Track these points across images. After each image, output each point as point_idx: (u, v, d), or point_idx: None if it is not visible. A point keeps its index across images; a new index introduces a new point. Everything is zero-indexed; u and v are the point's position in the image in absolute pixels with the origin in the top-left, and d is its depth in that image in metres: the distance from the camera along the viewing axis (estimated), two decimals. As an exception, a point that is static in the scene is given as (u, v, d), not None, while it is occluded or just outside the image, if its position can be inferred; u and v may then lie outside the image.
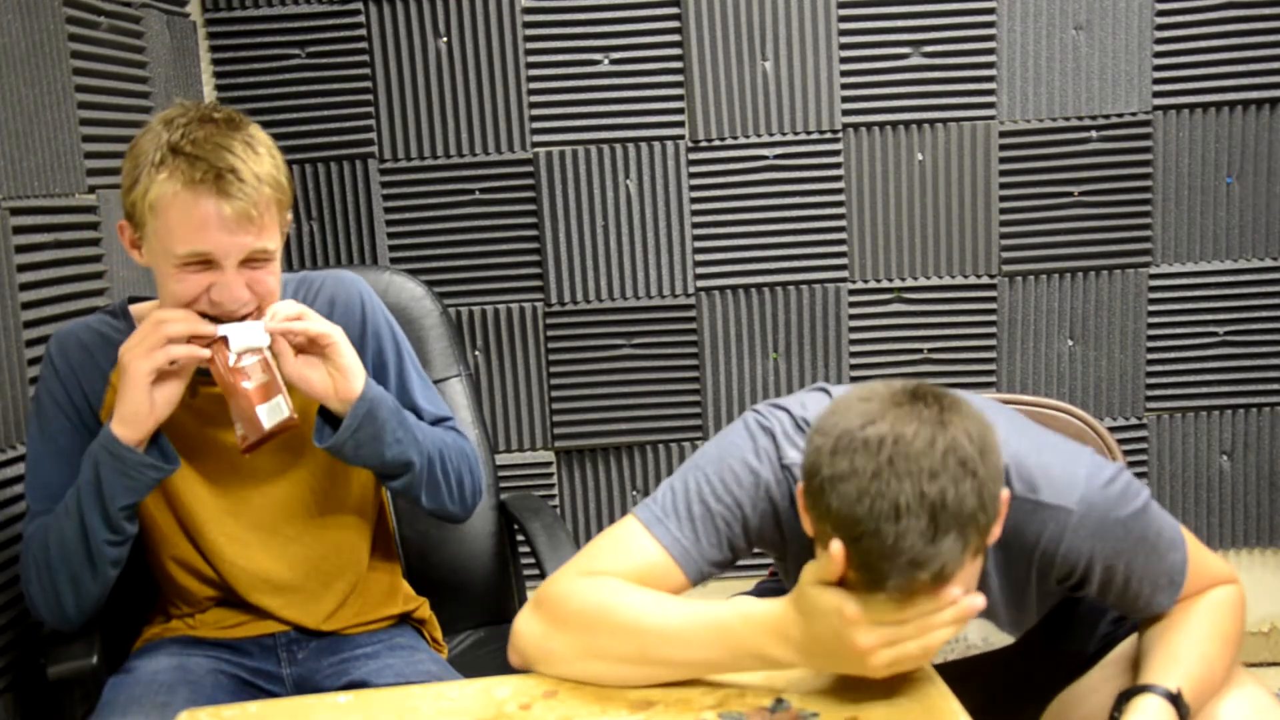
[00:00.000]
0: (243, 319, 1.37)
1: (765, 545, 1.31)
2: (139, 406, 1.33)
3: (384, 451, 1.46)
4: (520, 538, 1.94)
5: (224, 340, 1.35)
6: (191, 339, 1.34)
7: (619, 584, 1.22)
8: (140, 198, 1.32)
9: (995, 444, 1.10)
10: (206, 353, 1.34)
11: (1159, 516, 1.27)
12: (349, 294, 1.57)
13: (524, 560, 2.01)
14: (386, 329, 1.59)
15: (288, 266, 2.55)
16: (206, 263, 1.33)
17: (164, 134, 1.32)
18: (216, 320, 1.36)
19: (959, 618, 1.08)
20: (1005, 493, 1.14)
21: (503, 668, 1.28)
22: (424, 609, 1.71)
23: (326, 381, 1.41)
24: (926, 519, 1.03)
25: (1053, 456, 1.23)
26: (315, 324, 1.39)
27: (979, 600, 1.08)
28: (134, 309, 1.52)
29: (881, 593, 1.05)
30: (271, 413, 1.36)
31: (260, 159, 1.34)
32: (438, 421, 1.61)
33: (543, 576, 1.64)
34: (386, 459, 1.47)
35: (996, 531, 1.16)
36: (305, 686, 1.53)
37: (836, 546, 1.06)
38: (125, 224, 1.38)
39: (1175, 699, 1.22)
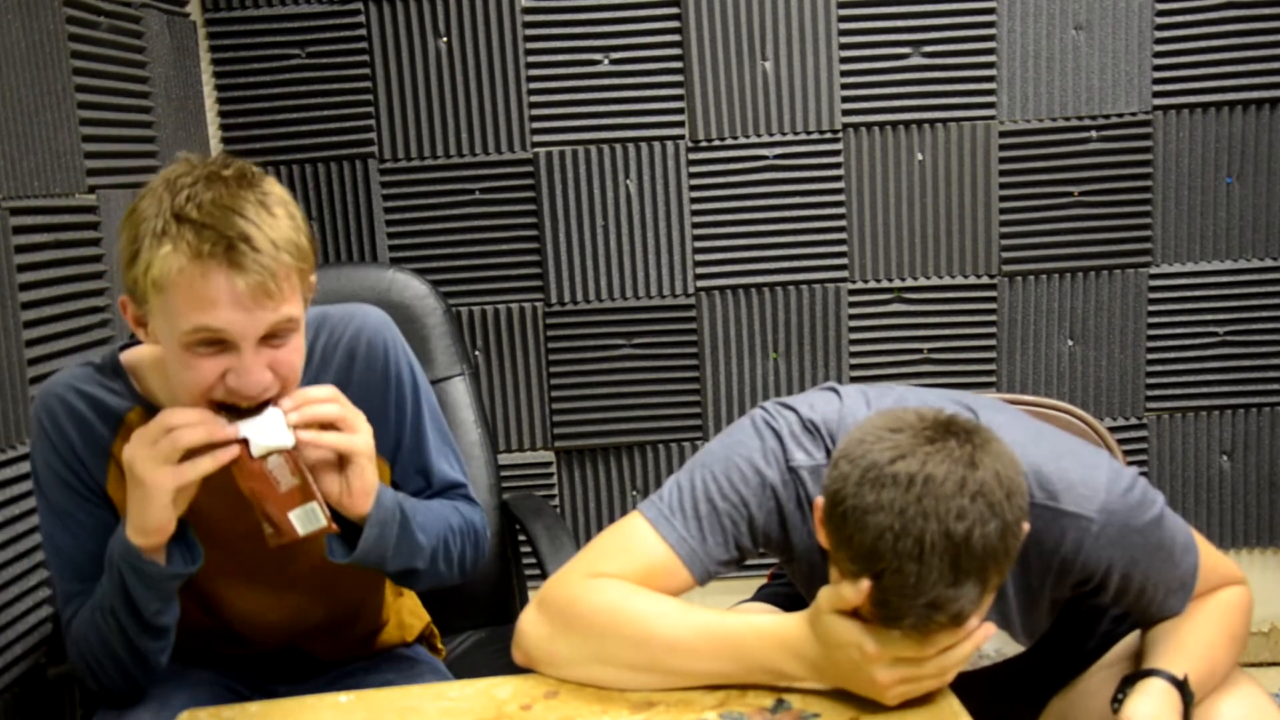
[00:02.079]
0: (263, 404, 1.22)
1: (770, 547, 1.31)
2: (160, 520, 1.20)
3: (387, 564, 1.35)
4: (521, 538, 1.94)
5: (244, 441, 1.20)
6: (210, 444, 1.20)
7: (627, 588, 1.22)
8: (142, 274, 1.15)
9: (1023, 485, 1.09)
10: (231, 455, 1.20)
11: (1173, 522, 1.27)
12: (372, 344, 1.41)
13: (525, 560, 2.00)
14: (409, 381, 1.44)
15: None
16: (221, 343, 1.17)
17: (166, 198, 1.15)
18: (232, 408, 1.21)
19: (975, 648, 1.10)
20: (1025, 526, 1.14)
21: (504, 668, 1.28)
22: (419, 623, 1.68)
23: (337, 491, 1.28)
24: (949, 561, 1.02)
25: (1071, 463, 1.23)
26: (344, 439, 1.25)
27: (990, 629, 1.10)
28: (126, 362, 1.36)
29: (897, 630, 1.06)
30: (306, 519, 1.23)
31: (276, 221, 1.17)
32: (448, 488, 1.50)
33: (544, 577, 1.64)
34: (390, 570, 1.37)
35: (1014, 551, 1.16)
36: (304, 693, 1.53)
37: (865, 584, 1.07)
38: (127, 300, 1.22)
39: (1181, 685, 1.22)
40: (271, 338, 1.19)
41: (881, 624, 1.07)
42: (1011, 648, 1.38)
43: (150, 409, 1.31)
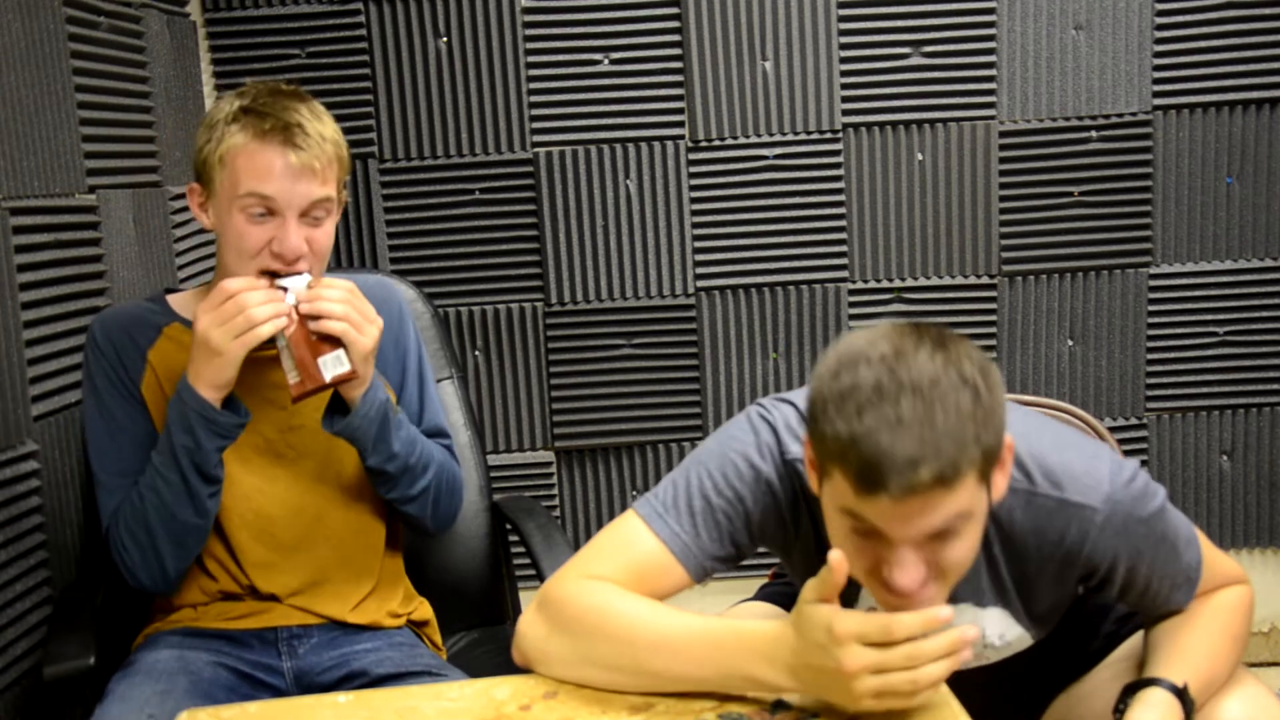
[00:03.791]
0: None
1: (768, 541, 1.31)
2: (230, 376, 1.43)
3: (368, 452, 1.55)
4: (514, 539, 1.94)
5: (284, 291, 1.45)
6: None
7: (617, 591, 1.21)
8: (211, 153, 1.45)
9: (997, 378, 1.11)
10: (290, 322, 1.43)
11: (1175, 515, 1.27)
12: (389, 299, 1.67)
13: (517, 561, 2.01)
14: (415, 338, 1.71)
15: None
16: (269, 212, 1.44)
17: (236, 100, 1.46)
18: (274, 275, 1.46)
19: (951, 649, 1.05)
20: (1010, 439, 1.14)
21: (498, 668, 1.28)
22: (424, 609, 1.72)
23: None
24: (925, 419, 1.03)
25: (1075, 455, 1.23)
26: (349, 330, 1.45)
27: (971, 631, 1.07)
28: (172, 299, 1.63)
29: (885, 495, 1.03)
30: (333, 364, 1.43)
31: (325, 123, 1.47)
32: (437, 434, 1.70)
33: (538, 578, 1.64)
34: (369, 462, 1.56)
35: (1001, 485, 1.15)
36: (304, 679, 1.54)
37: (836, 556, 1.06)
38: (195, 186, 1.51)
39: (1181, 693, 1.22)
40: (308, 215, 1.46)
41: (868, 495, 1.04)
42: (1019, 640, 1.37)
43: (188, 325, 1.52)
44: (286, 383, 1.45)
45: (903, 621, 1.06)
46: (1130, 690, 1.25)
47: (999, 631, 1.36)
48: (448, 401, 1.96)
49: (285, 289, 1.45)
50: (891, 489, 1.03)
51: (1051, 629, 1.38)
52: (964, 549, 1.11)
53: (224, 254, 1.50)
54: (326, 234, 1.50)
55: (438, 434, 1.70)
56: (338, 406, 1.52)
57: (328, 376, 1.43)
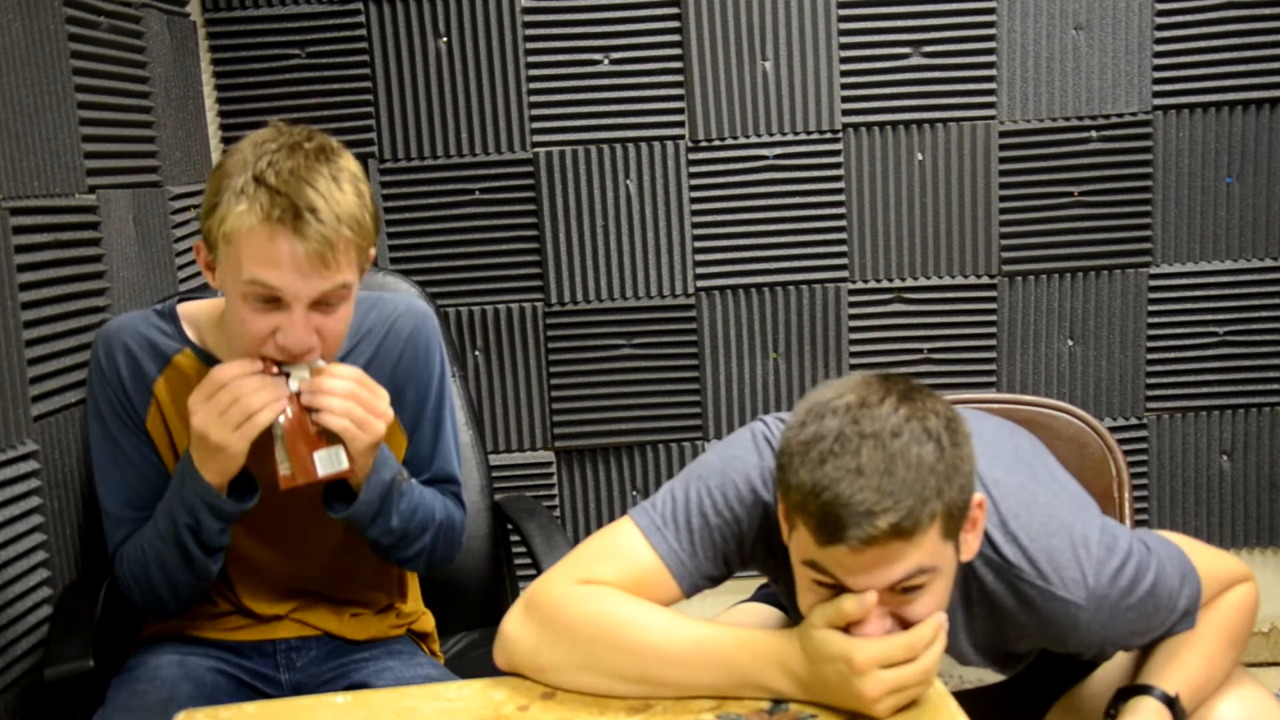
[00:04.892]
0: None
1: (758, 564, 1.30)
2: (233, 467, 1.35)
3: (365, 530, 1.47)
4: (514, 538, 1.94)
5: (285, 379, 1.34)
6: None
7: (618, 596, 1.21)
8: (216, 225, 1.29)
9: (965, 431, 1.11)
10: (284, 407, 1.32)
11: (1168, 573, 1.25)
12: (416, 331, 1.55)
13: (518, 561, 2.01)
14: (440, 374, 1.58)
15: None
16: (275, 300, 1.29)
17: (250, 159, 1.28)
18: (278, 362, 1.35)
19: (940, 628, 1.11)
20: (979, 496, 1.15)
21: (498, 669, 1.27)
22: (425, 620, 1.70)
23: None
24: (885, 471, 1.04)
25: (1062, 542, 1.21)
26: (350, 430, 1.35)
27: (943, 618, 1.11)
28: (183, 311, 1.51)
29: (843, 545, 1.04)
30: (329, 460, 1.33)
31: (344, 196, 1.28)
32: (445, 480, 1.60)
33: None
34: (365, 535, 1.49)
35: (974, 544, 1.16)
36: (302, 691, 1.54)
37: (869, 598, 1.07)
38: (201, 246, 1.36)
39: (1172, 703, 1.22)
40: (322, 303, 1.31)
41: (828, 544, 1.05)
42: (995, 679, 1.38)
43: (199, 353, 1.46)
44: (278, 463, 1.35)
45: (923, 636, 1.09)
46: (1122, 696, 1.25)
47: (977, 676, 1.37)
48: (447, 400, 1.96)
49: (286, 373, 1.34)
50: (849, 539, 1.04)
51: (1029, 663, 1.38)
52: (931, 605, 1.11)
53: (228, 326, 1.39)
54: (342, 319, 1.36)
55: (447, 480, 1.61)
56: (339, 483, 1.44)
57: (321, 473, 1.33)
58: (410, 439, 1.56)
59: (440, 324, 1.99)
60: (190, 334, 1.49)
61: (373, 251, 1.37)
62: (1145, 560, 1.23)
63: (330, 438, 1.33)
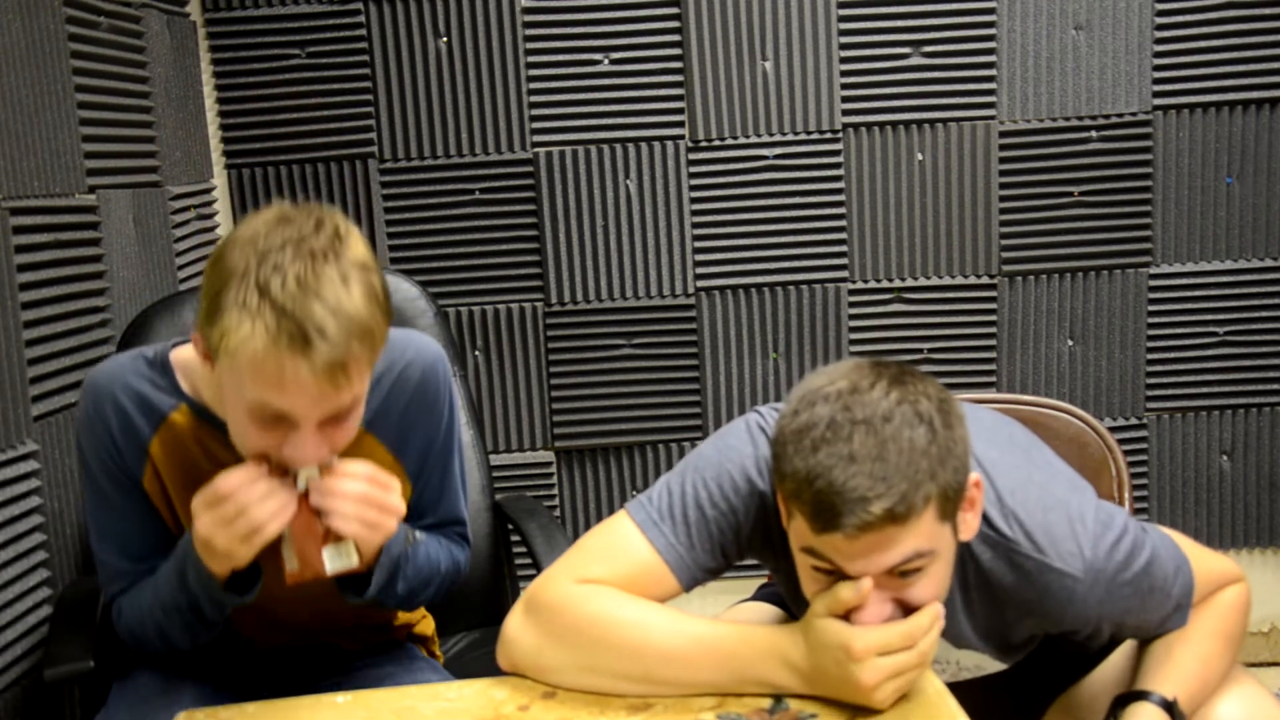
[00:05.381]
0: None
1: (756, 554, 1.30)
2: (239, 564, 1.29)
3: (394, 588, 1.42)
4: (515, 538, 1.94)
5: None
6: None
7: (619, 596, 1.21)
8: (218, 337, 1.16)
9: (958, 413, 1.11)
10: (293, 508, 1.24)
11: (1162, 557, 1.25)
12: (425, 379, 1.46)
13: (518, 561, 2.01)
14: (449, 419, 1.50)
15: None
16: (282, 418, 1.20)
17: (253, 261, 1.15)
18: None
19: (937, 616, 1.11)
20: (976, 476, 1.15)
21: (497, 669, 1.27)
22: (426, 623, 1.69)
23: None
24: (878, 456, 1.04)
25: (1059, 516, 1.21)
26: (363, 533, 1.28)
27: (939, 609, 1.12)
28: (176, 360, 1.39)
29: (838, 532, 1.04)
30: (336, 557, 1.26)
31: (355, 302, 1.16)
32: (451, 523, 1.56)
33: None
34: (396, 591, 1.43)
35: (972, 524, 1.16)
36: (303, 693, 1.53)
37: (865, 584, 1.07)
38: (199, 339, 1.23)
39: (1171, 707, 1.22)
40: (332, 418, 1.22)
41: (824, 533, 1.06)
42: (992, 666, 1.38)
43: (195, 408, 1.37)
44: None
45: (920, 624, 1.09)
46: (1121, 702, 1.25)
47: (975, 663, 1.37)
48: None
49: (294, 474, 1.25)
50: (843, 526, 1.04)
51: (1021, 658, 1.38)
52: (931, 588, 1.11)
53: (230, 427, 1.27)
54: (352, 426, 1.25)
55: (453, 523, 1.56)
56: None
57: (329, 570, 1.26)
58: (415, 484, 1.50)
59: (442, 322, 1.99)
60: (184, 386, 1.38)
61: (381, 349, 1.26)
62: (1141, 539, 1.24)
63: (338, 536, 1.27)
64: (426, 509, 1.52)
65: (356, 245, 1.21)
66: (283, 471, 1.24)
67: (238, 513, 1.22)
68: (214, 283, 1.18)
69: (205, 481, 1.31)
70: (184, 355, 1.39)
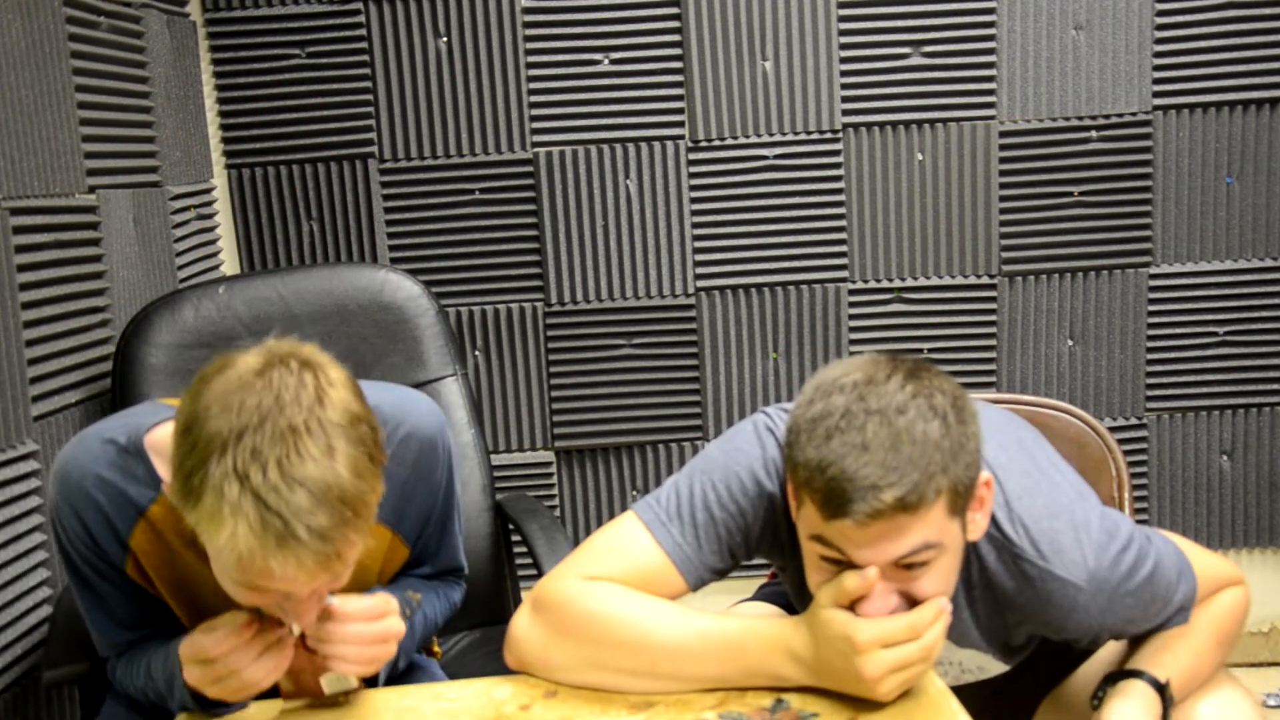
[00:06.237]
0: None
1: (766, 553, 1.31)
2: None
3: (394, 661, 1.38)
4: (515, 538, 1.94)
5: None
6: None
7: (624, 592, 1.21)
8: (196, 522, 1.08)
9: (972, 412, 1.12)
10: (288, 662, 1.20)
11: (1165, 566, 1.25)
12: (423, 452, 1.39)
13: (519, 560, 2.01)
14: (447, 483, 1.44)
15: (288, 263, 2.55)
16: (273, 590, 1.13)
17: (229, 438, 1.05)
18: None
19: (942, 611, 1.12)
20: (987, 476, 1.16)
21: (498, 669, 1.28)
22: None
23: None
24: (890, 446, 1.05)
25: (1064, 523, 1.22)
26: (378, 658, 1.24)
27: (946, 605, 1.12)
28: (151, 445, 1.28)
29: (848, 519, 1.05)
30: (335, 683, 1.23)
31: (342, 477, 1.07)
32: (449, 572, 1.53)
33: (540, 578, 1.64)
34: (394, 663, 1.39)
35: (981, 524, 1.17)
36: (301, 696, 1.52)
37: (870, 573, 1.08)
38: (175, 498, 1.11)
39: (1162, 688, 1.22)
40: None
41: (833, 520, 1.06)
42: (996, 668, 1.38)
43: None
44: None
45: (924, 618, 1.09)
46: (1111, 680, 1.25)
47: (978, 664, 1.37)
48: (451, 400, 1.95)
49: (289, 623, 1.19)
50: (854, 513, 1.05)
51: (1024, 657, 1.39)
52: (937, 583, 1.12)
53: (220, 582, 1.17)
54: (346, 577, 1.16)
55: (452, 571, 1.53)
56: None
57: (328, 692, 1.23)
58: (414, 547, 1.45)
59: (443, 321, 1.99)
60: (162, 472, 1.26)
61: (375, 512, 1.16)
62: (1145, 549, 1.24)
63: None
64: (425, 561, 1.49)
65: (340, 397, 1.10)
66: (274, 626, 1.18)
67: (229, 673, 1.17)
68: (186, 459, 1.07)
69: (191, 573, 1.28)
70: (159, 439, 1.28)
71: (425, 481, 1.40)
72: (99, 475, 1.26)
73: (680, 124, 2.53)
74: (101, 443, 1.28)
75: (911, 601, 1.12)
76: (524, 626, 1.24)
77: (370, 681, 1.32)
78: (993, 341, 2.59)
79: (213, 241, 2.47)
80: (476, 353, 2.60)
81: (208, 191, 2.47)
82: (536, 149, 2.53)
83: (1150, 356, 2.59)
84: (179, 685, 1.24)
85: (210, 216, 2.48)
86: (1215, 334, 2.58)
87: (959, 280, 2.58)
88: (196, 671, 1.18)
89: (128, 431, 1.29)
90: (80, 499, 1.26)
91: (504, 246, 2.56)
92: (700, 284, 2.57)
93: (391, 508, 1.37)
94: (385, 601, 1.23)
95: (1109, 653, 1.38)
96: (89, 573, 1.30)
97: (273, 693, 1.51)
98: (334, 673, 1.22)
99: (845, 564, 1.10)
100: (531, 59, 2.50)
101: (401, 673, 1.52)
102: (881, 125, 2.52)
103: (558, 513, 2.65)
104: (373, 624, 1.21)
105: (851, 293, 2.58)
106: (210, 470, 1.05)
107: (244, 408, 1.06)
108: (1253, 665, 2.71)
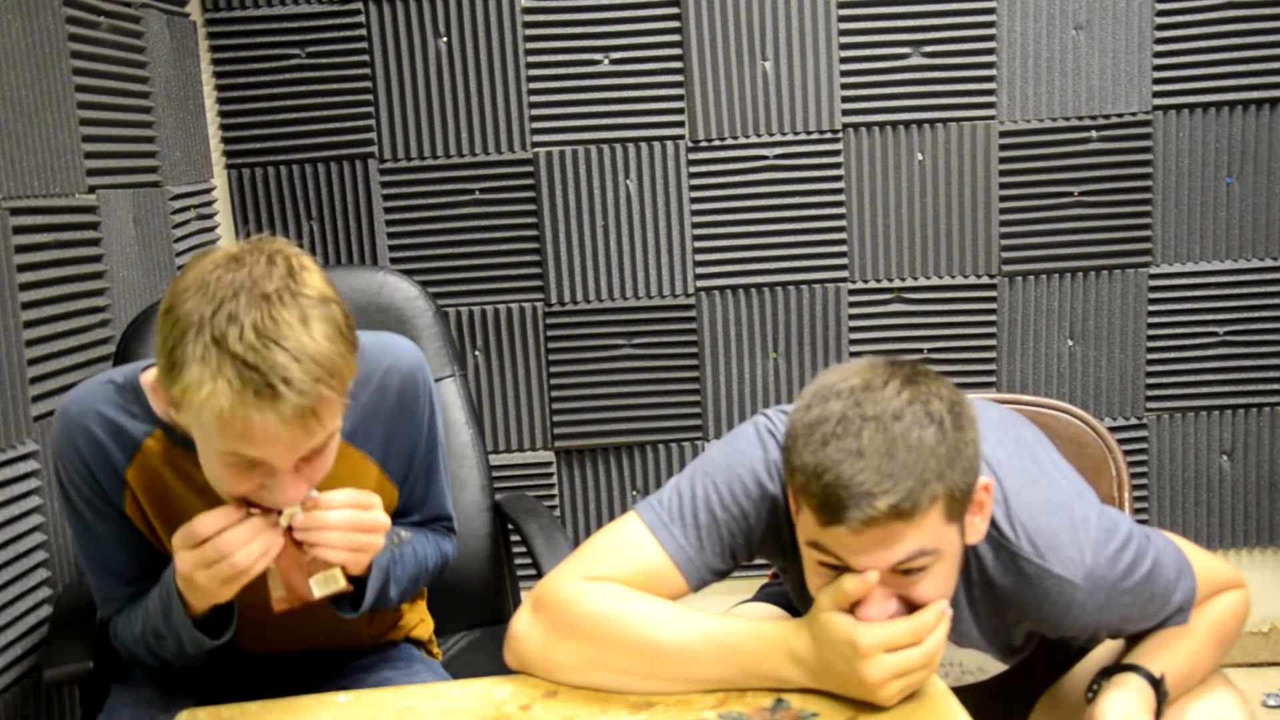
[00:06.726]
0: None
1: (767, 555, 1.31)
2: (221, 600, 1.27)
3: (387, 595, 1.42)
4: (515, 538, 1.94)
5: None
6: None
7: (625, 592, 1.21)
8: (179, 393, 1.12)
9: (970, 415, 1.12)
10: (279, 550, 1.23)
11: (1164, 564, 1.25)
12: (405, 385, 1.43)
13: (518, 561, 2.01)
14: (430, 422, 1.48)
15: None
16: (257, 463, 1.17)
17: (207, 310, 1.10)
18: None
19: (943, 615, 1.12)
20: (986, 480, 1.16)
21: (498, 669, 1.27)
22: (424, 627, 1.68)
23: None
24: (886, 453, 1.05)
25: (1062, 520, 1.22)
26: (351, 558, 1.27)
27: (946, 605, 1.12)
28: (147, 382, 1.35)
29: (843, 526, 1.05)
30: (324, 583, 1.25)
31: (318, 344, 1.12)
32: (438, 519, 1.56)
33: (539, 578, 1.63)
34: (388, 597, 1.43)
35: (980, 528, 1.17)
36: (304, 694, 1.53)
37: (871, 576, 1.08)
38: (159, 388, 1.20)
39: (1157, 683, 1.22)
40: (308, 457, 1.20)
41: (830, 526, 1.07)
42: (996, 667, 1.38)
43: (169, 433, 1.33)
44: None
45: (926, 621, 1.09)
46: (1106, 674, 1.25)
47: (978, 664, 1.37)
48: (449, 400, 1.95)
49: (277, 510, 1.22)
50: (849, 519, 1.05)
51: (1024, 656, 1.39)
52: (935, 588, 1.12)
53: (205, 471, 1.23)
54: (330, 457, 1.23)
55: (440, 519, 1.56)
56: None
57: (317, 594, 1.25)
58: (402, 488, 1.49)
59: (442, 321, 1.99)
60: (157, 409, 1.34)
61: (350, 387, 1.21)
62: (1144, 547, 1.24)
63: (325, 564, 1.26)
64: (414, 508, 1.53)
65: (312, 279, 1.17)
66: (264, 509, 1.21)
67: (220, 556, 1.19)
68: (168, 336, 1.13)
69: (184, 506, 1.31)
70: (154, 376, 1.31)
71: (409, 416, 1.44)
72: (98, 411, 1.33)
73: (680, 124, 2.53)
74: (101, 383, 1.36)
75: (910, 606, 1.12)
76: (524, 626, 1.24)
77: (359, 598, 1.35)
78: (993, 341, 2.59)
79: (213, 242, 2.48)
80: (476, 353, 2.60)
81: (208, 191, 2.47)
82: (536, 149, 2.53)
83: (1150, 356, 2.60)
84: (175, 607, 1.27)
85: (210, 216, 2.48)
86: (1215, 334, 2.58)
87: (959, 280, 2.58)
88: (189, 558, 1.20)
89: (125, 373, 1.37)
90: (80, 433, 1.32)
91: (504, 246, 2.56)
92: (700, 284, 2.57)
93: (378, 444, 1.42)
94: (369, 495, 1.27)
95: (1105, 650, 1.38)
96: (88, 513, 1.35)
97: (273, 693, 1.52)
98: (323, 573, 1.25)
99: (843, 569, 1.10)
100: (531, 59, 2.50)
101: (401, 674, 1.53)
102: (881, 125, 2.52)
103: (557, 513, 2.65)
104: (358, 512, 1.25)
105: (851, 293, 2.58)
106: (189, 340, 1.11)
107: (220, 283, 1.12)
108: (1253, 665, 2.71)
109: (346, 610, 1.38)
